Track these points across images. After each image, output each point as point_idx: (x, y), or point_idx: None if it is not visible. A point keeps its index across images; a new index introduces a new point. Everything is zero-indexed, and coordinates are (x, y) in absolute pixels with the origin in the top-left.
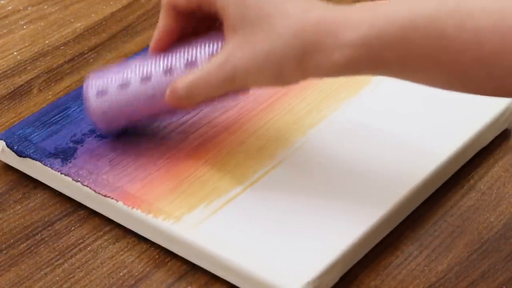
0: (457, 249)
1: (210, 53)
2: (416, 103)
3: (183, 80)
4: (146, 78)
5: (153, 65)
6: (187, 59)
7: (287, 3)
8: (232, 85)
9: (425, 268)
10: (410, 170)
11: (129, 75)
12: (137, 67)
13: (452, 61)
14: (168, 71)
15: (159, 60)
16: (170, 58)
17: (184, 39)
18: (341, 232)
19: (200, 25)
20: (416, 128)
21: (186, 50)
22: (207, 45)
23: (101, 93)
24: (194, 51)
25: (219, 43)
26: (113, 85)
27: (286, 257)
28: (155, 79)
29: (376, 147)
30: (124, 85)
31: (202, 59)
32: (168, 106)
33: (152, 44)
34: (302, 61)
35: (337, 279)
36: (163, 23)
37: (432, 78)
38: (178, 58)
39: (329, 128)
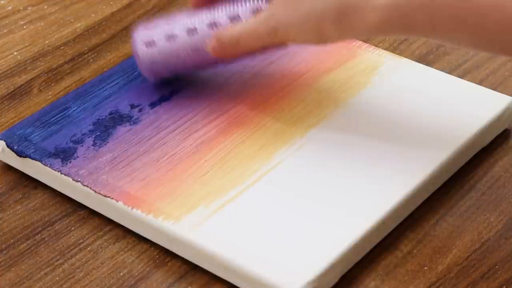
0: (457, 249)
1: (253, 9)
2: (416, 103)
3: (229, 30)
4: (192, 31)
5: (198, 19)
6: (231, 14)
7: None
8: (274, 39)
9: (425, 268)
10: (410, 170)
11: (176, 28)
12: (184, 21)
13: (477, 23)
14: (213, 24)
15: (204, 14)
16: (215, 12)
17: None
18: (341, 232)
19: None
20: (416, 128)
21: (230, 6)
22: (250, 1)
23: (150, 43)
24: (237, 7)
25: (262, 0)
26: (161, 36)
27: (286, 257)
28: (201, 31)
29: (376, 147)
30: (171, 37)
31: (245, 14)
32: (212, 57)
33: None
34: (340, 22)
35: (337, 279)
36: None
37: (460, 39)
38: (223, 13)
39: (329, 128)
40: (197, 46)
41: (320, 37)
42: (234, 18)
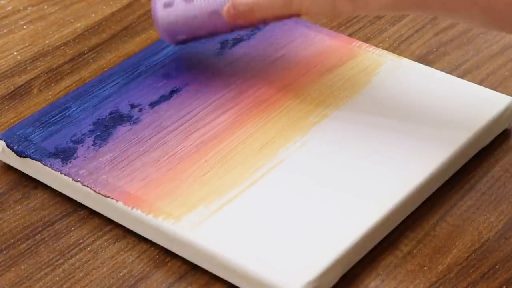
0: (457, 249)
1: None
2: (416, 103)
3: None
4: None
5: None
6: None
7: None
8: (289, 9)
9: (425, 268)
10: (410, 170)
11: None
12: None
13: (487, 2)
14: None
15: None
16: None
17: None
18: (341, 232)
19: None
20: (416, 128)
21: None
22: None
23: (168, 4)
24: None
25: None
26: None
27: (286, 257)
28: None
29: (376, 147)
30: None
31: None
32: (227, 22)
33: None
34: None
35: (337, 279)
36: None
37: (472, 18)
38: None
39: (329, 128)
40: (214, 8)
41: (334, 9)
42: None
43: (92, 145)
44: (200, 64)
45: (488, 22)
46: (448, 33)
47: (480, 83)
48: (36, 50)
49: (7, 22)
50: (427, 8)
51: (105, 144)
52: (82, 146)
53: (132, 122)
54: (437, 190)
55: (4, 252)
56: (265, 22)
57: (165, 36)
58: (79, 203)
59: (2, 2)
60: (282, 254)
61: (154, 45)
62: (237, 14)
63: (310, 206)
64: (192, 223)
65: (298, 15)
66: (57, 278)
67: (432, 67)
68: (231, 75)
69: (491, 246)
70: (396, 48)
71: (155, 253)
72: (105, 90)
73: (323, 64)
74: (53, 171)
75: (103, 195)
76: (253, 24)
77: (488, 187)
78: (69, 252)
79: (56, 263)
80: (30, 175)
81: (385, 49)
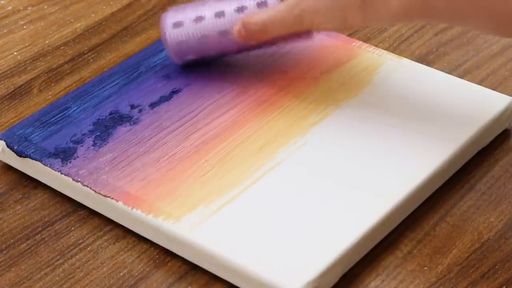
0: (457, 249)
1: None
2: (416, 103)
3: (256, 16)
4: (220, 14)
5: (227, 3)
6: (259, 0)
7: None
8: (300, 26)
9: (425, 268)
10: (410, 170)
11: (204, 11)
12: (212, 4)
13: (494, 10)
14: (241, 9)
15: None
16: None
17: None
18: (341, 232)
19: None
20: (416, 128)
21: None
22: None
23: (177, 24)
24: None
25: None
26: (189, 17)
27: (286, 257)
28: (228, 15)
29: (376, 147)
30: (199, 19)
31: (272, 1)
32: (237, 42)
33: None
34: (364, 8)
35: (337, 279)
36: None
37: (480, 25)
38: None
39: (329, 128)
40: (223, 29)
41: (345, 24)
42: (262, 5)
43: (92, 145)
44: (200, 65)
45: (497, 28)
46: (448, 33)
47: (480, 83)
48: (36, 50)
49: (7, 22)
50: (435, 16)
51: (105, 144)
52: (82, 146)
53: (132, 123)
54: (437, 190)
55: (4, 252)
56: (274, 43)
57: (174, 56)
58: (79, 203)
59: (2, 2)
60: (282, 254)
61: (154, 45)
62: (248, 35)
63: (310, 206)
64: (192, 223)
65: (309, 33)
66: (57, 278)
67: (432, 67)
68: (231, 76)
69: (491, 246)
70: (396, 48)
71: (155, 253)
72: (105, 90)
73: (323, 64)
74: (53, 171)
75: (103, 195)
76: (263, 45)
77: (488, 187)
78: (69, 252)
79: (56, 263)
80: (30, 175)
81: (385, 49)
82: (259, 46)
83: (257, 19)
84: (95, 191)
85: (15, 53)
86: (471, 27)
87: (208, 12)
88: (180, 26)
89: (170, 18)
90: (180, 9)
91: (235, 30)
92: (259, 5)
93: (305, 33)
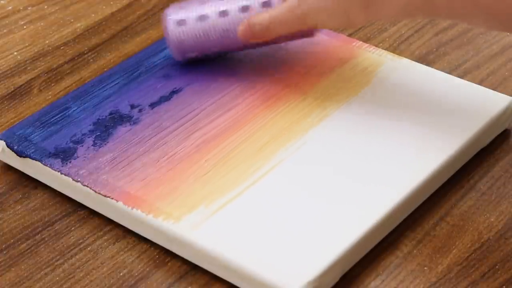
0: (457, 249)
1: None
2: (416, 103)
3: (260, 16)
4: (223, 13)
5: (230, 2)
6: (263, 0)
7: None
8: (303, 25)
9: (425, 268)
10: (410, 170)
11: (208, 9)
12: (216, 3)
13: (492, 6)
14: (245, 8)
15: None
16: None
17: None
18: (341, 232)
19: None
20: (416, 128)
21: None
22: None
23: (181, 22)
24: None
25: None
26: (192, 16)
27: (286, 257)
28: (232, 14)
29: (376, 147)
30: (202, 17)
31: (276, 1)
32: (240, 41)
33: None
34: (367, 6)
35: (337, 279)
36: None
37: (481, 21)
38: None
39: (329, 128)
40: (227, 28)
41: (348, 21)
42: (266, 5)
43: (92, 145)
44: (200, 65)
45: (495, 24)
46: (448, 33)
47: (480, 83)
48: (36, 50)
49: (7, 22)
50: (435, 12)
51: (105, 144)
52: (82, 146)
53: (132, 123)
54: (437, 190)
55: (4, 252)
56: (278, 41)
57: (176, 53)
58: (79, 203)
59: (2, 2)
60: (282, 254)
61: (154, 45)
62: (252, 34)
63: (310, 206)
64: (192, 223)
65: (311, 32)
66: (57, 278)
67: (432, 67)
68: (231, 76)
69: (491, 246)
70: (396, 48)
71: (155, 253)
72: (105, 90)
73: (323, 64)
74: (53, 171)
75: (103, 195)
76: (266, 43)
77: (488, 187)
78: (69, 252)
79: (56, 263)
80: (30, 175)
81: (385, 49)
82: (261, 44)
83: (261, 19)
84: (95, 191)
85: (15, 53)
86: (470, 23)
87: (212, 10)
88: (183, 24)
89: (173, 15)
90: (183, 5)
91: (239, 30)
92: (263, 5)
93: (308, 31)
